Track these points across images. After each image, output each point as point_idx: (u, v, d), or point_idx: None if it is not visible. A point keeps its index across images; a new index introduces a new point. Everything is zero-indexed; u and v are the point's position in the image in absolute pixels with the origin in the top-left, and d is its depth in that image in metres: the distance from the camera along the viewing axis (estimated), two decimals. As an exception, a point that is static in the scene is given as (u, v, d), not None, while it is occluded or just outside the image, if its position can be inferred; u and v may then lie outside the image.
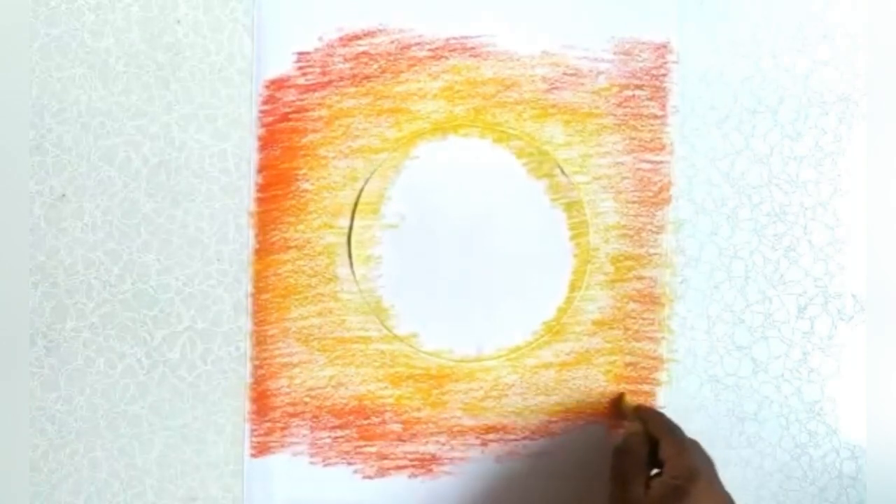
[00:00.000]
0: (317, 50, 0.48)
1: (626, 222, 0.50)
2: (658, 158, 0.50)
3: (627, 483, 0.44)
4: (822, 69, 0.51)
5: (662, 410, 0.49)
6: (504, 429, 0.49)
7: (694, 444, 0.44)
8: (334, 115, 0.48)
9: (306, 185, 0.48)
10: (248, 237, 0.48)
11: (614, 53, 0.50)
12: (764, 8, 0.50)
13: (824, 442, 0.51)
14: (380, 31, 0.48)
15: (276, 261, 0.48)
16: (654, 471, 0.44)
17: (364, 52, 0.48)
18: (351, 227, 0.48)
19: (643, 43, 0.50)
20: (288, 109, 0.48)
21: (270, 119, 0.48)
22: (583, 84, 0.50)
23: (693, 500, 0.40)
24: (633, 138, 0.50)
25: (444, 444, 0.49)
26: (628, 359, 0.50)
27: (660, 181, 0.50)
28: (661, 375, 0.50)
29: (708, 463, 0.43)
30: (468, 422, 0.49)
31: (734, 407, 0.50)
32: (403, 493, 0.49)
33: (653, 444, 0.44)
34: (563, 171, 0.49)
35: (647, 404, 0.49)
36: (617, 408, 0.49)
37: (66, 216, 0.47)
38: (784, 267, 0.51)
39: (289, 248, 0.48)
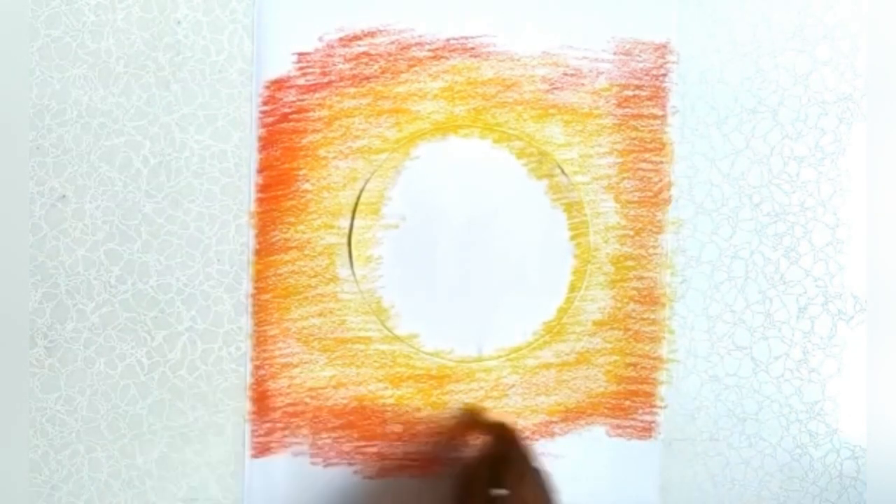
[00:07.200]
0: (317, 50, 0.48)
1: (626, 222, 0.50)
2: (658, 158, 0.50)
3: None
4: (822, 69, 0.51)
5: (659, 411, 0.50)
6: (504, 429, 0.49)
7: (537, 473, 0.42)
8: (334, 116, 0.48)
9: (306, 186, 0.48)
10: (249, 237, 0.48)
11: (614, 53, 0.50)
12: (764, 8, 0.50)
13: (825, 442, 0.51)
14: (380, 31, 0.48)
15: (276, 261, 0.48)
16: (498, 491, 0.41)
17: (364, 53, 0.48)
18: (351, 228, 0.48)
19: (643, 43, 0.50)
20: (288, 110, 0.48)
21: (271, 119, 0.48)
22: (583, 84, 0.49)
23: None
24: (633, 138, 0.50)
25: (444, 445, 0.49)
26: (629, 359, 0.50)
27: (660, 181, 0.50)
28: (662, 375, 0.50)
29: (547, 495, 0.41)
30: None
31: (735, 407, 0.50)
32: (404, 494, 0.49)
33: (499, 465, 0.42)
34: (563, 172, 0.49)
35: (508, 421, 0.47)
36: (473, 419, 0.48)
37: (67, 217, 0.47)
38: (784, 267, 0.51)
39: (289, 248, 0.48)
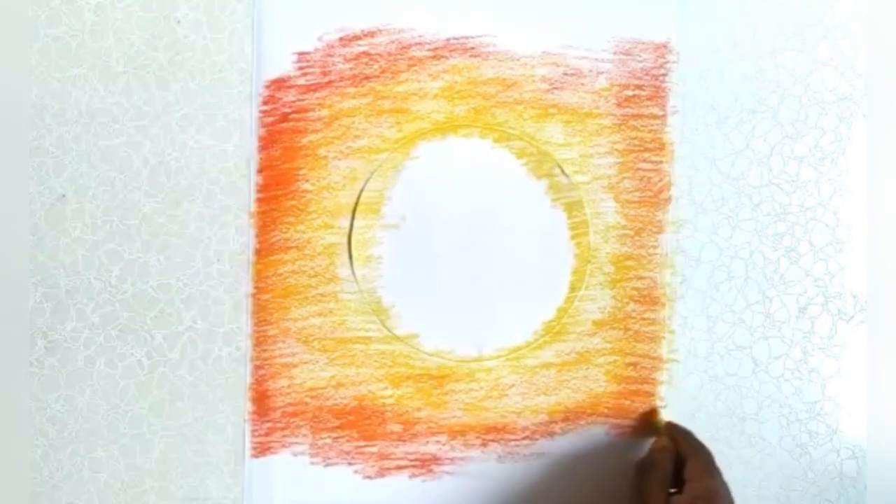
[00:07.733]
0: (317, 50, 0.48)
1: (626, 222, 0.50)
2: (658, 158, 0.50)
3: (647, 498, 0.44)
4: (822, 69, 0.51)
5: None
6: (504, 429, 0.49)
7: (715, 471, 0.44)
8: (334, 116, 0.48)
9: (306, 186, 0.48)
10: (249, 237, 0.48)
11: (614, 53, 0.50)
12: (764, 8, 0.50)
13: (825, 442, 0.51)
14: (380, 31, 0.48)
15: (276, 261, 0.48)
16: (672, 490, 0.44)
17: (364, 52, 0.48)
18: (351, 228, 0.48)
19: (643, 43, 0.50)
20: (288, 110, 0.48)
21: (271, 119, 0.48)
22: (583, 84, 0.50)
23: None
24: (633, 138, 0.50)
25: (444, 445, 0.49)
26: (628, 359, 0.50)
27: (660, 181, 0.50)
28: (662, 375, 0.50)
29: (729, 492, 0.43)
30: (468, 422, 0.49)
31: (734, 407, 0.50)
32: (404, 494, 0.49)
33: (677, 463, 0.45)
34: (563, 171, 0.49)
35: (677, 422, 0.49)
36: (648, 422, 0.49)
37: (67, 217, 0.47)
38: (784, 267, 0.51)
39: (289, 248, 0.48)
